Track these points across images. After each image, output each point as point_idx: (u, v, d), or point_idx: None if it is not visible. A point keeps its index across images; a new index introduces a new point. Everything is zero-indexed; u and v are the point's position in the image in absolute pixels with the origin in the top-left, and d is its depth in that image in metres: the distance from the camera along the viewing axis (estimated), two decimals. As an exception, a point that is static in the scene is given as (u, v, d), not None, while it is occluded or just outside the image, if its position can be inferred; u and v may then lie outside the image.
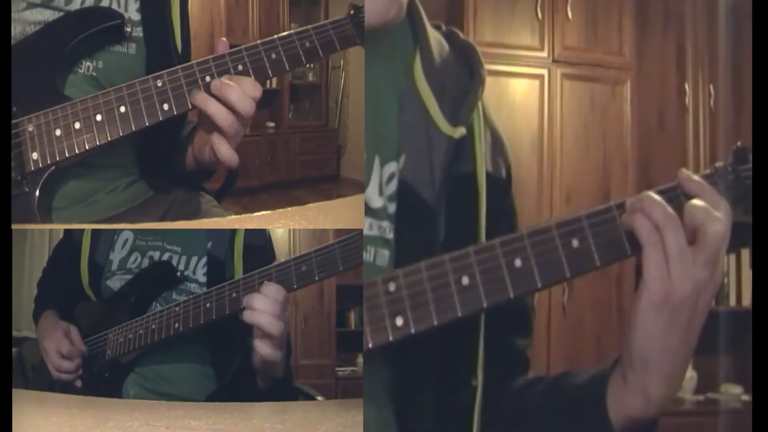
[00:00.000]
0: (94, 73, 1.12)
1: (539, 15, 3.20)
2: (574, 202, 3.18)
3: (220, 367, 1.32)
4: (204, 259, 1.36)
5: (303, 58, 1.09)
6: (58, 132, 1.04)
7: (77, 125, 1.04)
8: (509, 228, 0.83)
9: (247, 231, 1.35)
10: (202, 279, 1.35)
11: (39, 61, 1.08)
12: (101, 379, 1.34)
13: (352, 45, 1.11)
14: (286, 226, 1.13)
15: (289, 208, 1.10)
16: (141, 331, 1.30)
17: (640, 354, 0.78)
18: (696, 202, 0.77)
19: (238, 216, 1.24)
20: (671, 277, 0.75)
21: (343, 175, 5.13)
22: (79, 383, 1.35)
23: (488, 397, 0.87)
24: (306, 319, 3.55)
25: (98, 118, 1.04)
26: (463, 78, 0.92)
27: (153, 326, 1.29)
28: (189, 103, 1.05)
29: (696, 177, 0.80)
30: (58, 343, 1.36)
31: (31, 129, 1.04)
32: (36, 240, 1.83)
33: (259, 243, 1.38)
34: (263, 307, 1.16)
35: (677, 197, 0.79)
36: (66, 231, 1.46)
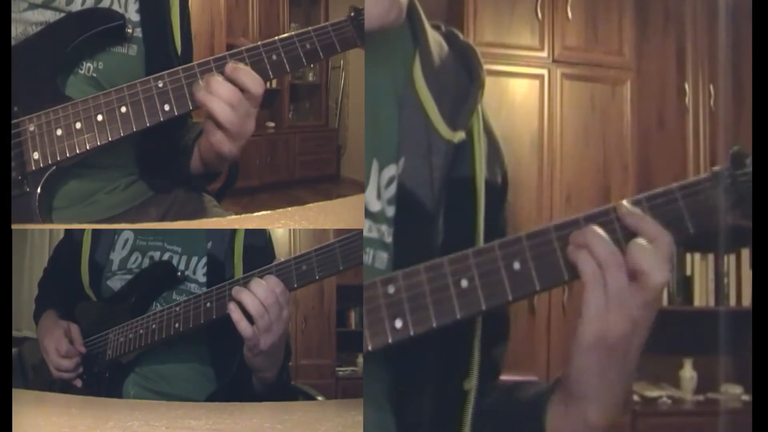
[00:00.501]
0: (95, 74, 1.13)
1: (539, 15, 3.20)
2: (574, 202, 3.18)
3: (220, 367, 1.32)
4: (204, 259, 1.36)
5: (304, 60, 1.09)
6: (59, 132, 1.04)
7: (78, 125, 1.04)
8: (502, 237, 0.83)
9: (247, 231, 1.35)
10: (202, 279, 1.35)
11: (40, 62, 1.08)
12: (101, 379, 1.34)
13: (353, 47, 1.11)
14: (286, 226, 1.13)
15: (289, 208, 1.10)
16: (141, 331, 1.30)
17: (578, 387, 0.80)
18: (641, 242, 0.76)
19: (238, 216, 1.23)
20: (609, 319, 0.76)
21: (343, 175, 5.12)
22: (79, 383, 1.36)
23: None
24: (306, 319, 3.54)
25: (99, 118, 1.04)
26: (462, 81, 0.92)
27: (153, 326, 1.29)
28: (190, 104, 1.05)
29: (636, 209, 0.79)
30: (57, 342, 1.36)
31: (32, 129, 1.04)
32: (36, 240, 1.82)
33: (259, 243, 1.38)
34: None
35: (611, 222, 0.79)
36: (66, 231, 1.46)
